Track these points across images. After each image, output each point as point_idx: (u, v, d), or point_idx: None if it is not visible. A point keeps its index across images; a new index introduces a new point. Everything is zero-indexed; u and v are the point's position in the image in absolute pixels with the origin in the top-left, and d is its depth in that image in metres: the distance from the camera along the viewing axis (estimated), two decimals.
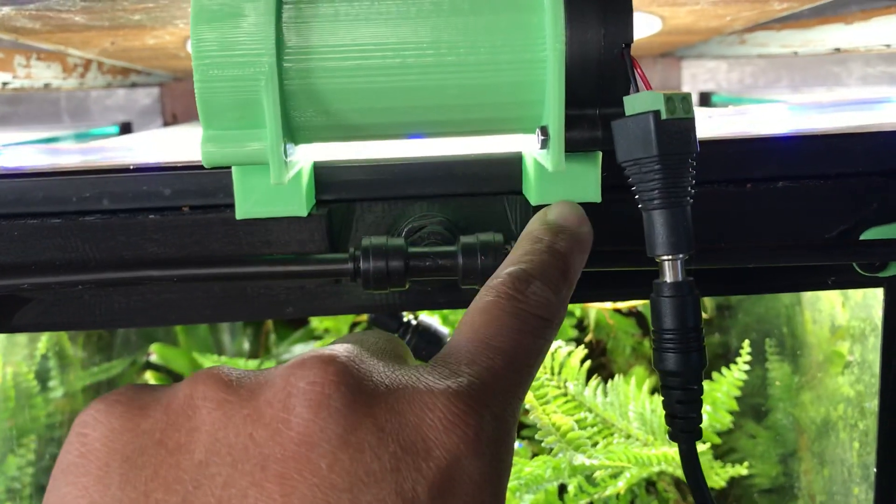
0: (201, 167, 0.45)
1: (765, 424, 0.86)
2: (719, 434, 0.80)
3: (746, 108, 0.69)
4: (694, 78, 1.40)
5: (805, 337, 0.87)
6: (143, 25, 0.63)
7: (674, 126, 0.34)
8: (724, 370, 0.77)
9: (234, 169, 0.41)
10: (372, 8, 0.37)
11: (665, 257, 0.35)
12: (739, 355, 0.78)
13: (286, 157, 0.37)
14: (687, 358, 0.35)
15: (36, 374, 0.85)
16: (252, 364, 0.93)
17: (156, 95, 1.32)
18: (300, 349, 0.96)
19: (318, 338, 0.94)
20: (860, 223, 0.46)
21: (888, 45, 0.70)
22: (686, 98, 0.34)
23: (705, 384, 0.78)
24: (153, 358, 0.87)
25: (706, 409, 0.76)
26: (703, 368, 0.36)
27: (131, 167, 0.45)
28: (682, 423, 0.36)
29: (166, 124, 1.29)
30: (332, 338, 0.92)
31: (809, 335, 0.87)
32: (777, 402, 0.83)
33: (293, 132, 0.38)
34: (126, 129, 1.22)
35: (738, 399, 0.79)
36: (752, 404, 0.90)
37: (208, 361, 0.90)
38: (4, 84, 0.75)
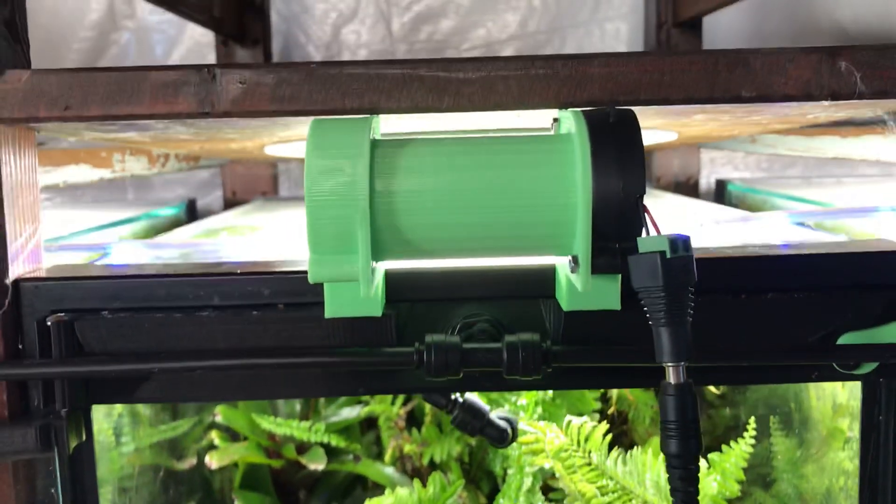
0: (294, 272, 0.55)
1: (771, 493, 0.93)
2: (729, 501, 0.88)
3: (750, 215, 0.79)
4: (712, 162, 1.50)
5: (811, 413, 0.96)
6: (233, 139, 0.75)
7: (676, 263, 0.44)
8: (731, 444, 0.85)
9: None
10: (441, 162, 0.47)
11: (669, 364, 0.44)
12: (746, 430, 0.86)
13: (373, 276, 0.47)
14: (686, 444, 0.44)
15: (113, 430, 0.95)
16: (304, 425, 1.02)
17: (215, 172, 1.45)
18: (347, 412, 1.06)
19: (365, 402, 1.03)
20: (838, 329, 0.55)
21: (878, 160, 0.80)
22: (687, 240, 0.44)
23: (715, 456, 0.87)
24: (218, 419, 0.97)
25: (716, 478, 0.84)
26: (700, 452, 0.45)
27: (238, 271, 0.56)
28: (683, 495, 0.45)
29: (226, 200, 1.41)
30: (378, 403, 1.01)
31: (814, 411, 0.95)
32: (782, 474, 0.91)
33: (377, 253, 0.48)
34: (192, 206, 1.34)
35: (746, 470, 0.87)
36: (762, 474, 0.98)
37: (265, 422, 1.00)
38: (101, 178, 0.87)
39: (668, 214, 0.91)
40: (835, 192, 1.12)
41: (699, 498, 0.46)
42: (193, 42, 1.48)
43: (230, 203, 1.40)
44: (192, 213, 1.36)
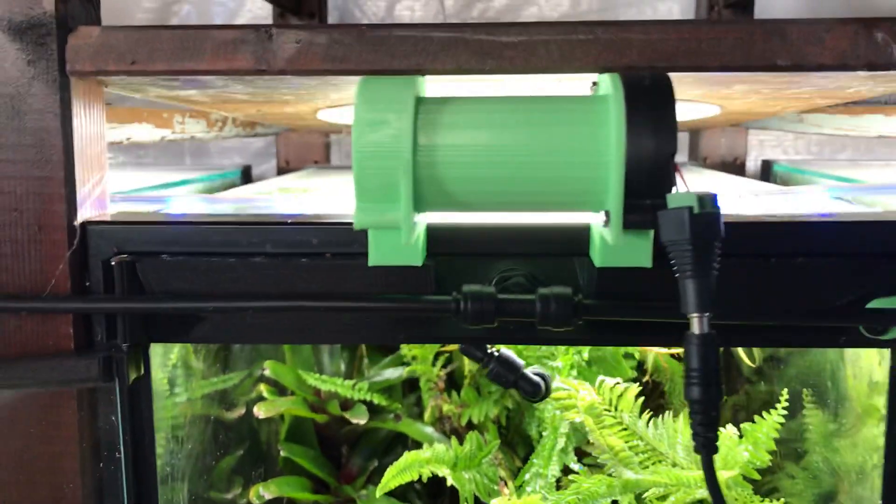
0: (341, 223, 0.59)
1: (802, 465, 0.95)
2: (762, 472, 0.90)
3: (792, 188, 0.80)
4: (761, 144, 1.50)
5: (847, 391, 0.96)
6: (288, 101, 0.78)
7: (703, 218, 0.46)
8: (764, 414, 0.87)
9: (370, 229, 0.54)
10: (481, 118, 0.50)
11: (694, 315, 0.47)
12: (779, 401, 0.88)
13: (414, 224, 0.50)
14: (707, 390, 0.46)
15: (167, 380, 1.00)
16: (347, 383, 1.06)
17: (270, 141, 1.49)
18: (390, 373, 1.09)
19: (406, 364, 1.07)
20: (866, 295, 0.57)
21: None
22: (714, 197, 0.46)
23: (748, 426, 0.88)
24: (266, 373, 1.01)
25: (748, 448, 0.86)
26: (721, 399, 0.47)
27: (288, 221, 0.59)
28: (703, 439, 0.47)
29: (279, 169, 1.45)
30: (420, 364, 1.04)
31: (850, 389, 0.96)
32: (814, 447, 0.92)
33: (418, 204, 0.51)
34: (247, 172, 1.39)
35: (778, 441, 0.88)
36: (795, 447, 0.99)
37: (311, 378, 1.04)
38: (163, 137, 0.91)
39: (708, 186, 0.92)
40: (880, 173, 1.11)
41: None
42: (252, 15, 1.52)
43: (283, 172, 1.44)
44: (247, 178, 1.40)
